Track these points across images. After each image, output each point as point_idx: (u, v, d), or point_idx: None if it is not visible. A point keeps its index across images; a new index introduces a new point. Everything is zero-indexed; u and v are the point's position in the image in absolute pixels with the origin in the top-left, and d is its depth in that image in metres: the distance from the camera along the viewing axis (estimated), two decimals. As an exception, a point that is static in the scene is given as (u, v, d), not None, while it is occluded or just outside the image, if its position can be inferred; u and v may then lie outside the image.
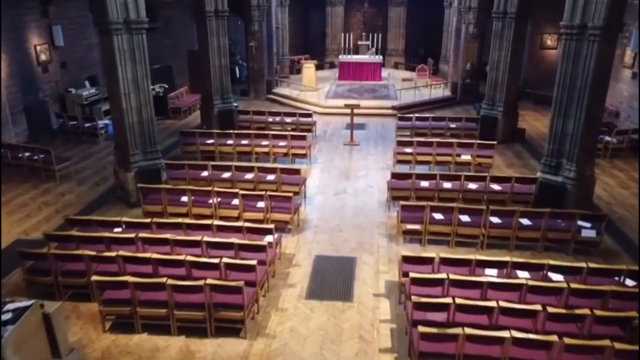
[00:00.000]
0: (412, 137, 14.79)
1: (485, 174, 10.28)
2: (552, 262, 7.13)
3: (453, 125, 14.81)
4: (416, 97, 19.11)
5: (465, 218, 8.79)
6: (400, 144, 12.55)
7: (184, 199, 9.53)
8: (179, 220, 8.22)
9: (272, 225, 8.11)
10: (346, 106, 14.87)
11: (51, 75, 16.08)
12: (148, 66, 10.14)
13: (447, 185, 10.23)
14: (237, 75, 24.03)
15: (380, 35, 23.97)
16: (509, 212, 8.74)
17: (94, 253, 7.09)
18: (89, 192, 11.39)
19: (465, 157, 12.20)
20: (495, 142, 12.22)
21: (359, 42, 25.38)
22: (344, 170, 12.77)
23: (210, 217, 9.41)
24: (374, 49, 23.58)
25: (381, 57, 23.22)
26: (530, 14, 14.27)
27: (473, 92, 20.12)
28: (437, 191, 10.15)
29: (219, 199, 9.42)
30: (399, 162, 12.51)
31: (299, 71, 22.77)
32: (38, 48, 15.33)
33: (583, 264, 7.03)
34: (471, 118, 15.20)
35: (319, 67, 24.42)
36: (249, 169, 10.70)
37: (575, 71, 9.25)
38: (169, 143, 14.79)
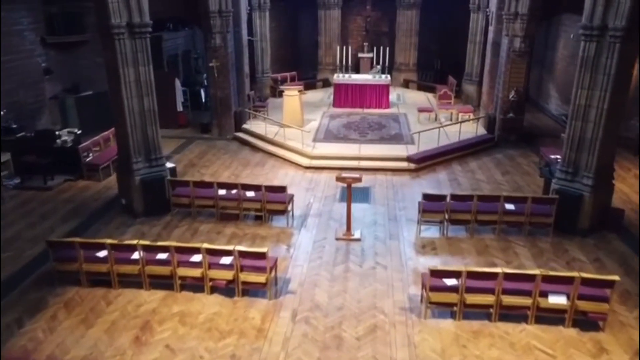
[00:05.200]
0: (444, 224, 9.23)
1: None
2: None
3: (511, 207, 9.17)
4: (440, 138, 13.45)
5: None
6: (436, 274, 6.86)
7: None
8: None
9: None
10: (339, 180, 9.18)
11: None
12: None
13: None
14: (203, 100, 18.35)
15: (387, 47, 18.39)
16: None
17: None
18: None
19: (558, 301, 6.59)
20: (617, 279, 6.52)
21: (360, 55, 19.95)
22: (334, 321, 7.02)
23: None
24: (379, 67, 17.98)
25: (388, 76, 17.51)
26: (641, 30, 8.65)
27: (517, 129, 14.56)
28: None
29: None
30: (433, 304, 6.89)
31: (282, 93, 17.08)
32: None
33: None
34: (541, 198, 9.50)
35: (309, 87, 18.86)
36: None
37: None
38: (69, 228, 9.44)
